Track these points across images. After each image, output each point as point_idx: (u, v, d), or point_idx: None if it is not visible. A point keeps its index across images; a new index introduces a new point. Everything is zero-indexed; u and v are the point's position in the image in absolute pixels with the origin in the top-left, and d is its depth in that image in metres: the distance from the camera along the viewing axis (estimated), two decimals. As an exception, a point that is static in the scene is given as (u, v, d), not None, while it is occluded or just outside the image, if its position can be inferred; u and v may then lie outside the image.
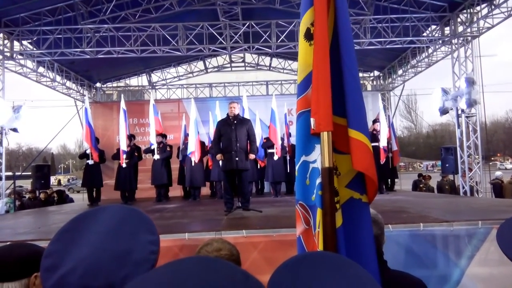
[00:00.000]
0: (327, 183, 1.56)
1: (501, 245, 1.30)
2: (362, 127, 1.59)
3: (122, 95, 11.54)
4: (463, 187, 10.41)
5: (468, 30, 10.25)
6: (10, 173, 15.18)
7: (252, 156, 6.52)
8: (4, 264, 1.22)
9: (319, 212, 1.55)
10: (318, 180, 1.58)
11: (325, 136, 1.58)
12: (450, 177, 11.75)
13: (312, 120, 1.60)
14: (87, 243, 0.83)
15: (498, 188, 11.33)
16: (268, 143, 10.25)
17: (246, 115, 9.29)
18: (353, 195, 1.61)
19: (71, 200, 12.96)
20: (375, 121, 10.09)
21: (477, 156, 10.43)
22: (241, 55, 15.30)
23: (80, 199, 13.83)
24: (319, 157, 1.61)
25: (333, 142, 1.61)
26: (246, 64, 16.18)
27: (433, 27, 11.14)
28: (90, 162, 9.39)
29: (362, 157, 1.57)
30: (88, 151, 9.54)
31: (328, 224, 1.53)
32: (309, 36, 1.67)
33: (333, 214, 1.54)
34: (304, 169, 1.67)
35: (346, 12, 1.65)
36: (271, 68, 16.14)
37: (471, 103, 9.83)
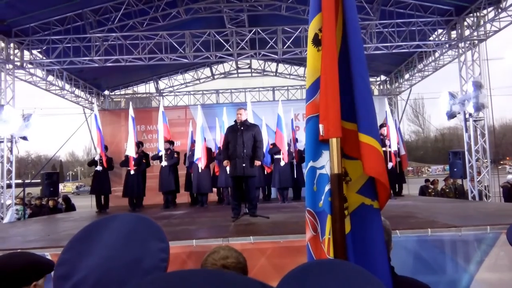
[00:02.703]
0: (337, 190, 1.56)
1: None
2: (373, 132, 1.58)
3: (130, 103, 11.63)
4: (472, 192, 10.32)
5: (475, 33, 10.20)
6: (20, 181, 15.31)
7: (257, 163, 6.47)
8: (3, 273, 1.23)
9: (329, 218, 1.55)
10: (328, 187, 1.58)
11: (334, 142, 1.58)
12: (458, 181, 11.67)
13: (320, 126, 1.60)
14: (99, 251, 0.85)
15: (508, 192, 11.22)
16: (274, 149, 10.24)
17: (251, 121, 9.31)
18: (364, 201, 1.60)
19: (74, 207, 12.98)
20: (382, 125, 10.05)
21: (485, 160, 10.34)
22: (248, 61, 15.36)
23: (85, 206, 13.87)
24: (327, 163, 1.60)
25: (342, 147, 1.61)
26: (253, 70, 16.23)
27: (440, 31, 11.10)
28: (99, 169, 9.47)
29: (374, 162, 1.56)
30: (96, 158, 9.63)
31: (337, 231, 1.53)
32: (317, 41, 1.67)
33: (343, 220, 1.54)
34: (312, 175, 1.66)
35: (355, 17, 1.65)
36: (278, 74, 16.17)
37: (479, 107, 9.77)
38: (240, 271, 1.63)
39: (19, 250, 4.04)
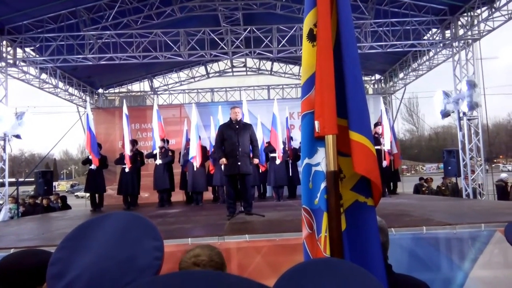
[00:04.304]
0: (333, 187, 1.54)
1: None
2: (364, 130, 1.56)
3: (124, 101, 11.57)
4: (466, 190, 10.38)
5: (469, 33, 10.26)
6: (13, 179, 15.20)
7: (256, 161, 6.59)
8: (17, 272, 1.21)
9: (325, 216, 1.54)
10: (323, 184, 1.57)
11: (329, 139, 1.56)
12: (452, 179, 11.75)
13: (316, 123, 1.58)
14: (92, 250, 0.84)
15: (502, 190, 11.31)
16: (270, 148, 10.26)
17: (247, 120, 9.31)
18: (358, 198, 1.59)
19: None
20: (377, 124, 10.09)
21: (479, 159, 10.41)
22: (243, 60, 15.34)
23: (79, 205, 13.80)
24: (323, 160, 1.59)
25: (338, 145, 1.59)
26: (248, 69, 16.22)
27: (434, 30, 11.14)
28: (93, 167, 9.42)
29: (364, 160, 1.54)
30: (90, 157, 9.58)
31: (334, 229, 1.52)
32: (311, 37, 1.65)
33: (339, 218, 1.53)
34: (307, 172, 1.64)
35: (349, 13, 1.63)
36: (272, 73, 16.17)
37: (473, 106, 9.83)
38: (212, 269, 1.61)
39: (12, 250, 4.00)
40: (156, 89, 15.92)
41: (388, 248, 1.74)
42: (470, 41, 10.43)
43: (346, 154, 1.60)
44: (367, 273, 0.75)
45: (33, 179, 12.81)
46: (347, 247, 1.53)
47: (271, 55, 11.38)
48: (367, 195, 1.59)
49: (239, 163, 6.11)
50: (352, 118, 1.57)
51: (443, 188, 11.85)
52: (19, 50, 10.64)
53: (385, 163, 9.50)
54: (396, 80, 14.58)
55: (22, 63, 10.99)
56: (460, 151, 10.52)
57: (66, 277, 0.81)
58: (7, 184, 10.03)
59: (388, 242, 1.75)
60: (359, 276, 0.74)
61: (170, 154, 10.28)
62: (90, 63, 10.84)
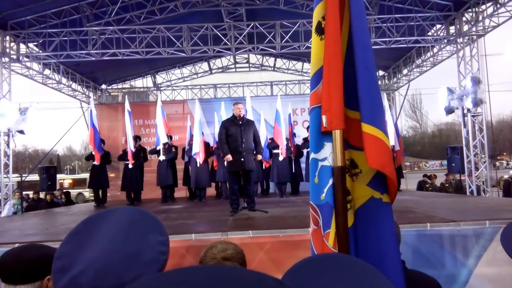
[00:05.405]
0: (339, 183, 1.52)
1: (504, 245, 1.29)
2: (377, 122, 1.51)
3: (126, 97, 11.57)
4: (470, 187, 10.35)
5: (474, 29, 10.19)
6: (17, 175, 15.27)
7: (259, 157, 6.59)
8: (18, 266, 1.21)
9: (334, 212, 1.52)
10: (332, 180, 1.54)
11: (337, 134, 1.54)
12: (456, 176, 11.72)
13: (323, 117, 1.55)
14: (98, 245, 0.84)
15: (507, 187, 11.28)
16: (273, 144, 10.23)
17: (250, 116, 9.30)
18: (373, 194, 1.55)
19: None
20: (380, 120, 10.05)
21: (483, 155, 10.36)
22: (246, 56, 15.29)
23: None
24: (330, 155, 1.56)
25: (351, 138, 1.55)
26: (251, 65, 16.17)
27: (438, 26, 11.08)
28: (97, 163, 9.44)
29: (378, 153, 1.49)
30: (94, 153, 9.60)
31: (340, 225, 1.50)
32: (320, 30, 1.63)
33: (345, 214, 1.51)
34: (314, 167, 1.61)
35: (362, 5, 1.61)
36: (276, 69, 16.13)
37: (477, 102, 9.78)
38: (240, 261, 1.65)
39: (17, 244, 4.02)
40: (159, 85, 15.92)
41: (399, 243, 1.74)
42: (474, 37, 10.36)
43: (361, 148, 1.55)
44: (374, 269, 0.75)
45: (37, 175, 12.83)
46: (353, 243, 1.52)
47: (274, 51, 11.34)
48: (382, 191, 1.54)
49: (242, 160, 6.10)
50: (364, 110, 1.52)
51: (447, 185, 11.83)
52: (22, 46, 10.65)
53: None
54: (399, 76, 14.53)
55: (26, 59, 11.01)
56: (464, 148, 10.48)
57: (71, 271, 0.81)
58: (11, 179, 10.07)
59: (400, 236, 1.74)
60: (366, 271, 0.74)
61: (173, 150, 10.29)
62: (93, 58, 10.85)
